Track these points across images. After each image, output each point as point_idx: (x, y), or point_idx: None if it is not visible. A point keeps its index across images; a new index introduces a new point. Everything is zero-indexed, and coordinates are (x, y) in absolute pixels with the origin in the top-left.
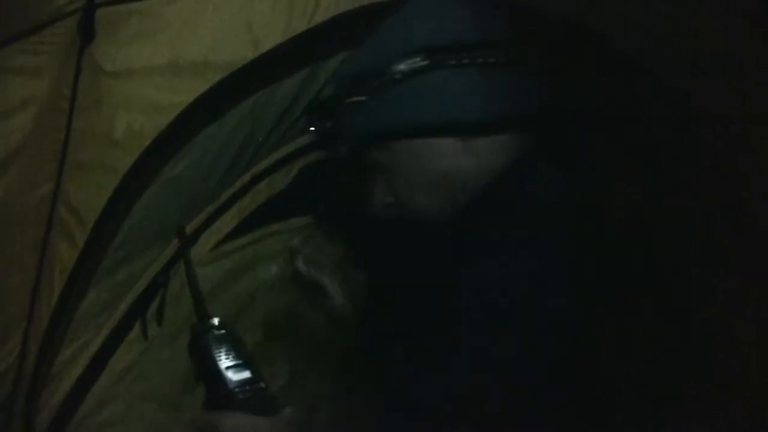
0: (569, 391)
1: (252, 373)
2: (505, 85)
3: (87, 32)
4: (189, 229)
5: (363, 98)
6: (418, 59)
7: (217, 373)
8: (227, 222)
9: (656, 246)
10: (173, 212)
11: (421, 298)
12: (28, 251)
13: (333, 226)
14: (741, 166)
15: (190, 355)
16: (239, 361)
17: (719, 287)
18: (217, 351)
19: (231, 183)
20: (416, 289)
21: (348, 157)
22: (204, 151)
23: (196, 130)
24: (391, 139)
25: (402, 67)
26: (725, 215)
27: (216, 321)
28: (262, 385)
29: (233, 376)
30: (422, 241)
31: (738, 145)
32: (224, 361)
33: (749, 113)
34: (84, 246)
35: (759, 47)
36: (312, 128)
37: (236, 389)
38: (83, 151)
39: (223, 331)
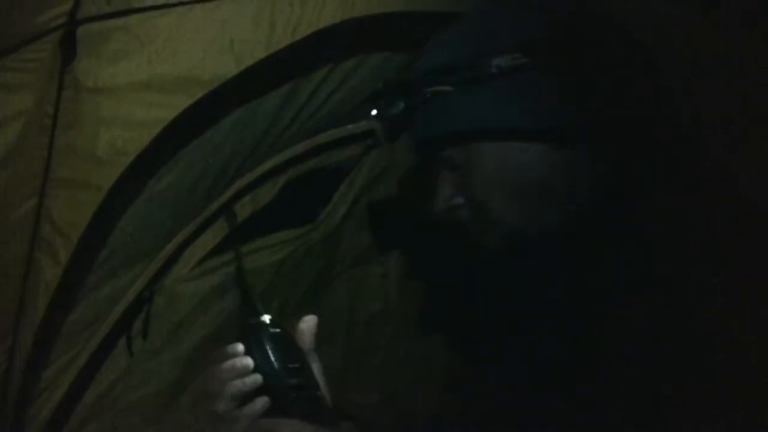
0: (569, 391)
1: (308, 378)
2: (597, 93)
3: (69, 49)
4: (172, 245)
5: (450, 89)
6: (518, 56)
7: (274, 375)
8: (211, 237)
9: (656, 246)
10: (157, 228)
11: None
12: (12, 268)
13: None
14: (741, 166)
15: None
16: (295, 365)
17: (719, 287)
18: (274, 351)
19: (215, 198)
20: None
21: (416, 150)
22: (187, 167)
23: (179, 147)
24: (476, 138)
25: (500, 62)
26: (725, 215)
27: (267, 318)
28: (319, 393)
29: (289, 379)
30: (487, 252)
31: (738, 145)
32: (279, 363)
33: (749, 113)
34: (68, 262)
35: (759, 47)
36: (375, 112)
37: (293, 394)
38: (66, 168)
39: (278, 330)
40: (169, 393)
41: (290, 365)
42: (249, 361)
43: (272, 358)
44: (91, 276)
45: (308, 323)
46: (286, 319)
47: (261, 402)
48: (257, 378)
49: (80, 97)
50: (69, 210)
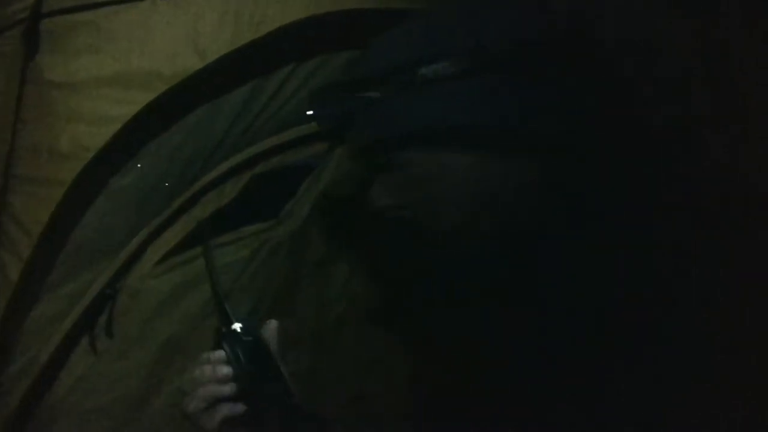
0: (569, 391)
1: (283, 386)
2: (536, 99)
3: (32, 43)
4: (135, 242)
5: (378, 95)
6: (446, 64)
7: (250, 384)
8: (175, 234)
9: (656, 246)
10: (120, 225)
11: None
12: None
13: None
14: (741, 166)
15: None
16: (269, 373)
17: (719, 287)
18: (247, 360)
19: (179, 195)
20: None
21: (354, 151)
22: (151, 164)
23: (143, 142)
24: (404, 143)
25: (427, 71)
26: (725, 215)
27: (239, 327)
28: (294, 400)
29: (265, 388)
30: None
31: (738, 145)
32: (253, 372)
33: (749, 113)
34: (29, 259)
35: (759, 47)
36: (312, 113)
37: (269, 403)
38: (29, 164)
39: (251, 338)
40: (139, 394)
41: (264, 373)
42: (228, 370)
43: (246, 368)
44: (53, 273)
45: (270, 330)
46: (260, 323)
47: (233, 408)
48: (233, 386)
49: (43, 92)
50: (31, 206)
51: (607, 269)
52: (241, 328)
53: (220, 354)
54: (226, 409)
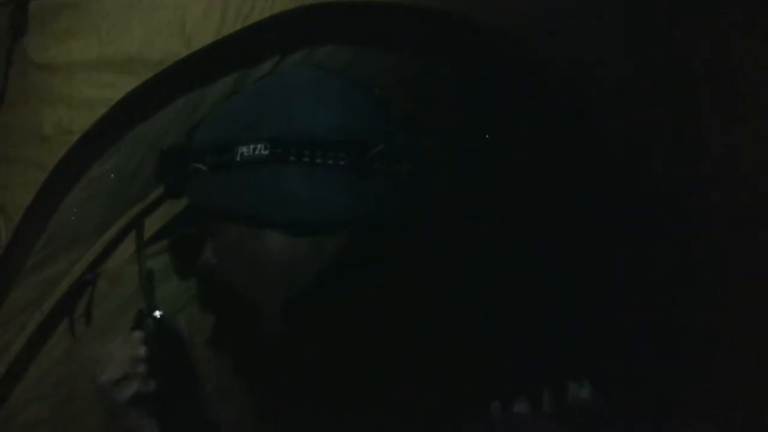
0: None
1: (193, 376)
2: (342, 190)
3: (20, 24)
4: (115, 229)
5: (204, 168)
6: (261, 147)
7: (159, 369)
8: (154, 222)
9: (656, 246)
10: (100, 211)
11: None
12: None
13: None
14: (741, 167)
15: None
16: (180, 362)
17: (719, 287)
18: (159, 348)
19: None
20: None
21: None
22: (133, 150)
23: (126, 128)
24: (219, 218)
25: (245, 151)
26: (725, 215)
27: (158, 314)
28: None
29: (176, 375)
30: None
31: (738, 145)
32: (163, 360)
33: (749, 113)
34: (8, 242)
35: (759, 47)
36: (158, 175)
37: (178, 390)
38: (10, 146)
39: (168, 325)
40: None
41: (175, 360)
42: (143, 350)
43: (159, 352)
44: (32, 257)
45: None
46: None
47: (144, 386)
48: (145, 367)
49: (28, 74)
50: (12, 188)
51: (607, 271)
52: (161, 315)
53: (140, 334)
54: (136, 386)
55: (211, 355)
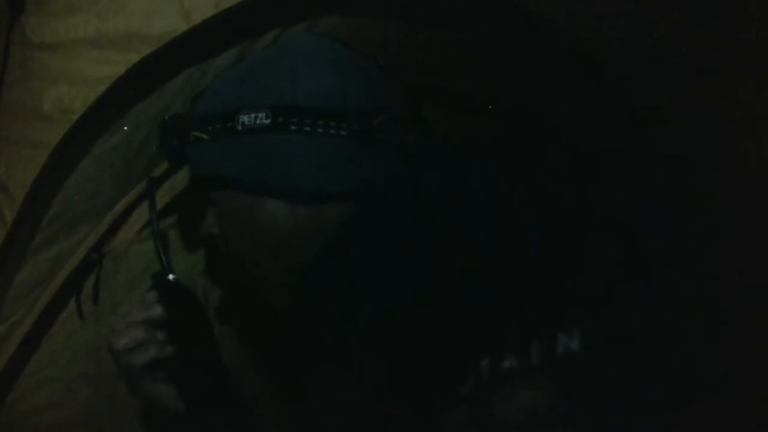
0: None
1: (211, 340)
2: (343, 159)
3: (16, 3)
4: (120, 207)
5: (205, 137)
6: (263, 116)
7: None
8: (161, 198)
9: (656, 247)
10: (105, 189)
11: None
12: None
13: None
14: (741, 167)
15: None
16: (198, 326)
17: (719, 287)
18: (173, 311)
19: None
20: None
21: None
22: (136, 127)
23: (128, 105)
24: (220, 186)
25: (246, 119)
26: (725, 215)
27: (171, 277)
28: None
29: (193, 339)
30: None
31: (738, 144)
32: (176, 325)
33: (749, 113)
34: (13, 222)
35: (759, 48)
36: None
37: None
38: (12, 126)
39: (184, 288)
40: None
41: (193, 324)
42: (160, 312)
43: (176, 315)
44: (37, 237)
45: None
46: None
47: (162, 350)
48: (163, 331)
49: (27, 53)
50: (14, 168)
51: (607, 270)
52: (173, 278)
53: (155, 295)
54: (154, 351)
55: (220, 327)
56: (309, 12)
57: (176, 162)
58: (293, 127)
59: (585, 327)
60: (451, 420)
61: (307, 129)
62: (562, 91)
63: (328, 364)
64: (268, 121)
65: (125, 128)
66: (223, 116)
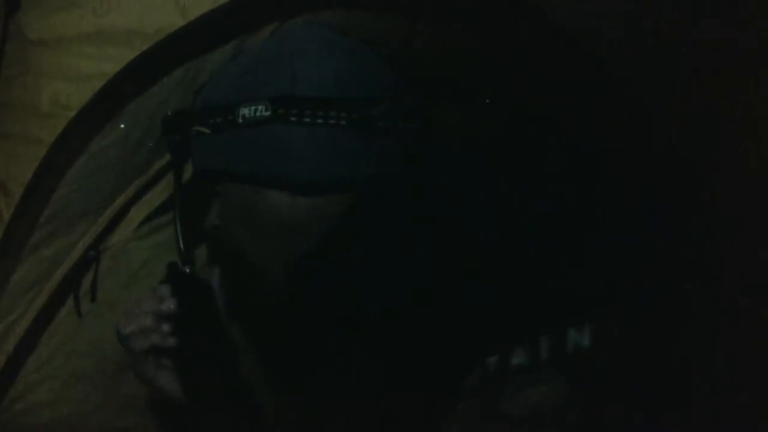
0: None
1: (220, 336)
2: (344, 149)
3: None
4: (118, 203)
5: (207, 131)
6: (262, 108)
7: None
8: (158, 195)
9: (656, 246)
10: (102, 186)
11: None
12: None
13: None
14: (741, 167)
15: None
16: (208, 321)
17: (719, 286)
18: (182, 303)
19: (162, 155)
20: None
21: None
22: (133, 124)
23: (125, 102)
24: (222, 178)
25: (246, 112)
26: (725, 215)
27: (187, 269)
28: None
29: (202, 333)
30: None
31: (737, 144)
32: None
33: (749, 113)
34: (10, 220)
35: (759, 47)
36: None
37: (189, 348)
38: (9, 123)
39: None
40: (120, 358)
41: (204, 318)
42: (172, 305)
43: (187, 308)
44: (34, 235)
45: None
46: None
47: (164, 339)
48: (171, 323)
49: (23, 49)
50: (12, 165)
51: (606, 270)
52: (189, 269)
53: (168, 288)
54: (156, 338)
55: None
56: (306, 5)
57: (180, 157)
58: (293, 118)
59: (594, 324)
60: (458, 414)
61: (307, 119)
62: (562, 91)
63: (329, 364)
64: (268, 113)
65: (122, 125)
66: (224, 109)
